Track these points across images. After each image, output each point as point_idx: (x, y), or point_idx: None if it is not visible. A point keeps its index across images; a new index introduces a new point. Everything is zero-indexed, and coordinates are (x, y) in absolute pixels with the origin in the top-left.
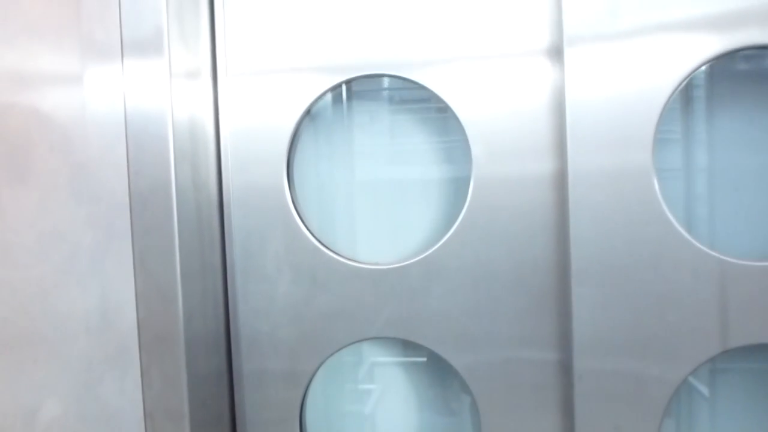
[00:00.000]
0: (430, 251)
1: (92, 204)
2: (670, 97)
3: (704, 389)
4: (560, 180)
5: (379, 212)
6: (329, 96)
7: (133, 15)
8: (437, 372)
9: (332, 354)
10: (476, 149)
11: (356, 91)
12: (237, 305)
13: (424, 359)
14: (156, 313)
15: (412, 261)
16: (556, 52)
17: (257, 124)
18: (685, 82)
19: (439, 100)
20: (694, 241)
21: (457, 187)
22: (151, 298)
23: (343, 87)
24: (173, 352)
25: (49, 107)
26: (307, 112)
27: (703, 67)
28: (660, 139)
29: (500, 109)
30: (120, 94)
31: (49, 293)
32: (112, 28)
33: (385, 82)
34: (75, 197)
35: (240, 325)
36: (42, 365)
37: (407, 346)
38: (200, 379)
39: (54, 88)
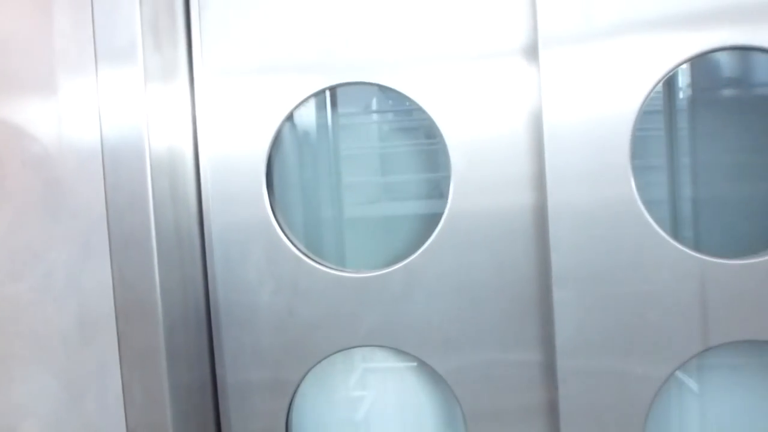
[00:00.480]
0: (411, 258)
1: (68, 219)
2: (646, 98)
3: (690, 386)
4: (539, 183)
5: (360, 219)
6: (311, 105)
7: (107, 27)
8: (426, 377)
9: (317, 363)
10: (455, 155)
11: (339, 98)
12: (219, 316)
13: (414, 364)
14: (136, 328)
15: (393, 268)
16: (533, 54)
17: (236, 133)
18: (660, 82)
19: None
20: (672, 241)
21: (439, 196)
22: (131, 312)
23: (327, 95)
24: (155, 366)
25: (20, 122)
26: (286, 121)
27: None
28: (638, 139)
29: (479, 114)
30: (95, 108)
31: (25, 311)
32: (85, 40)
33: (374, 99)
34: (50, 213)
35: (223, 337)
36: (19, 385)
37: (396, 351)
38: (183, 392)
39: (26, 103)
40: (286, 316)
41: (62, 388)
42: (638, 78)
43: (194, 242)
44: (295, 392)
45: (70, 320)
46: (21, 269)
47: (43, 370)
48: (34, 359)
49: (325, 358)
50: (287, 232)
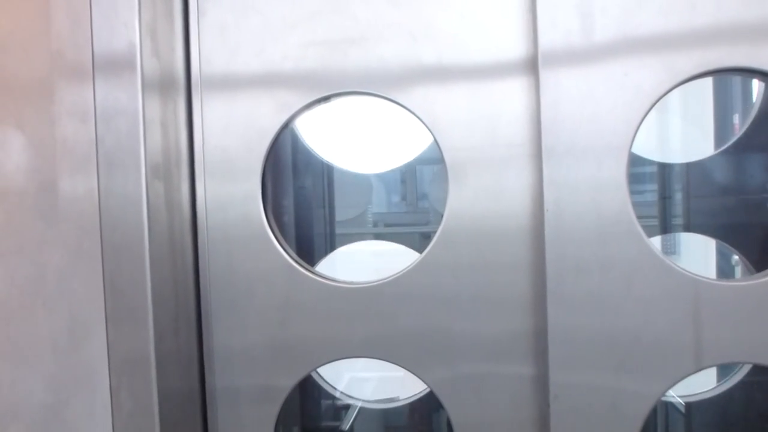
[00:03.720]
0: (405, 271)
1: (60, 224)
2: (645, 115)
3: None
4: (536, 200)
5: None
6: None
7: (105, 30)
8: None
9: (307, 373)
10: (452, 171)
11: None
12: (211, 324)
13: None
14: (126, 334)
15: (386, 281)
16: (533, 71)
17: (232, 140)
18: (657, 102)
19: None
20: (667, 261)
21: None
22: (121, 318)
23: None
24: (144, 373)
25: (15, 124)
26: (284, 129)
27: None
28: (635, 157)
29: (477, 128)
30: (90, 111)
31: (14, 315)
32: (83, 43)
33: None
34: (42, 217)
35: (214, 345)
36: (6, 389)
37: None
38: (172, 399)
39: (20, 105)
40: (278, 324)
41: (49, 393)
42: (637, 95)
43: (187, 249)
44: (284, 401)
45: (60, 325)
46: (11, 273)
47: (31, 375)
48: (21, 363)
49: (315, 368)
50: (281, 240)
